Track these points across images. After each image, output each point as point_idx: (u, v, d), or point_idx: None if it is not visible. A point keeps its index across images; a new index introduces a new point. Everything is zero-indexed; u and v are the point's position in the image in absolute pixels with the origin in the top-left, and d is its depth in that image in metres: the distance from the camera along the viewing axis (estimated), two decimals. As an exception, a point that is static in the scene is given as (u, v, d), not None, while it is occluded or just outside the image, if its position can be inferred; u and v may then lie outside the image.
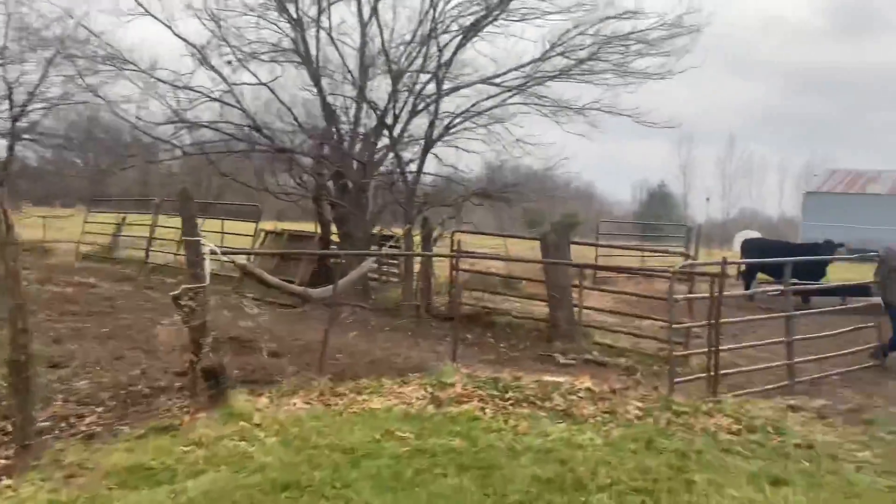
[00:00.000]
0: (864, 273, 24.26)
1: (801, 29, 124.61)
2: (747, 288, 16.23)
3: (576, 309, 11.10)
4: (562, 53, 11.18)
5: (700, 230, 23.07)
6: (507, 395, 6.76)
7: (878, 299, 9.52)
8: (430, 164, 13.58)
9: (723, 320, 9.25)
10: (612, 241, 23.30)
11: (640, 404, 6.71)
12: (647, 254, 17.87)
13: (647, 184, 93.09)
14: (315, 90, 11.90)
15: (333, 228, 12.53)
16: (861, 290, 16.33)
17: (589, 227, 29.19)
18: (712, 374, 7.06)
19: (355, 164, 11.48)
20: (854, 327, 9.55)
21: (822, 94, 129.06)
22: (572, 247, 19.21)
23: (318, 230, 12.84)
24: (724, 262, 6.96)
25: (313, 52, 11.60)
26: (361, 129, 12.12)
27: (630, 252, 19.42)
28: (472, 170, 12.34)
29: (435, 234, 11.29)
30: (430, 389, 6.79)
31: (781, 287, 15.95)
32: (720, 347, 7.05)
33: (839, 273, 18.03)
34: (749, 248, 18.06)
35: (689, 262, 10.52)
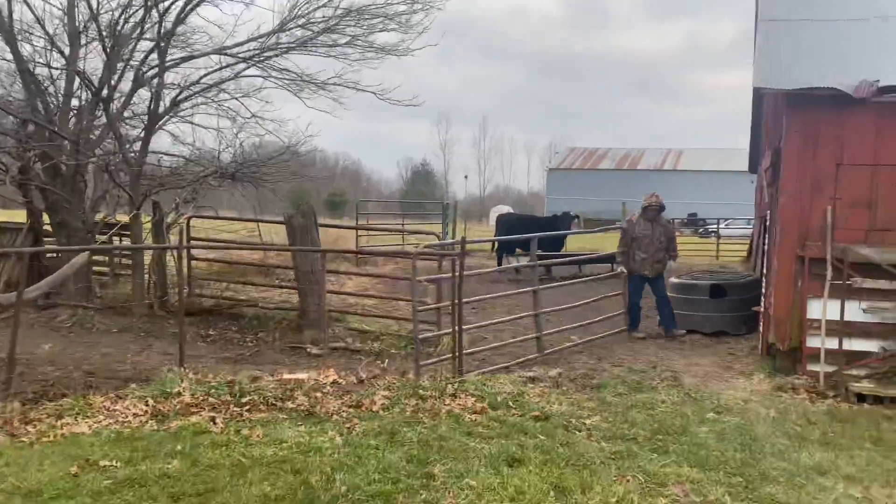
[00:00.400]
0: (596, 242, 26.87)
1: (543, 18, 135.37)
2: (500, 263, 16.99)
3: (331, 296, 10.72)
4: (303, 25, 10.55)
5: (457, 207, 23.84)
6: (243, 400, 6.12)
7: (621, 268, 10.10)
8: (164, 143, 12.24)
9: (472, 298, 9.36)
10: (374, 221, 23.28)
11: (387, 393, 6.45)
12: (407, 233, 17.94)
13: (412, 162, 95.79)
14: (11, 57, 10.05)
15: (47, 218, 10.77)
16: (606, 259, 17.92)
17: (362, 205, 28.89)
18: (457, 354, 7.01)
19: (68, 144, 9.88)
20: (601, 296, 10.26)
21: (562, 79, 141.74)
22: (335, 229, 19.02)
23: (28, 220, 10.98)
24: (464, 241, 6.89)
25: (4, 10, 9.74)
26: (74, 104, 10.48)
27: (390, 232, 19.41)
28: (213, 149, 11.26)
29: (168, 219, 10.12)
30: (150, 402, 5.92)
31: (529, 260, 16.93)
32: (463, 326, 7.01)
33: (575, 242, 19.61)
34: (500, 223, 18.93)
35: (438, 242, 10.48)
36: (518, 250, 17.21)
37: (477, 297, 8.76)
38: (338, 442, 5.23)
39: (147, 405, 5.89)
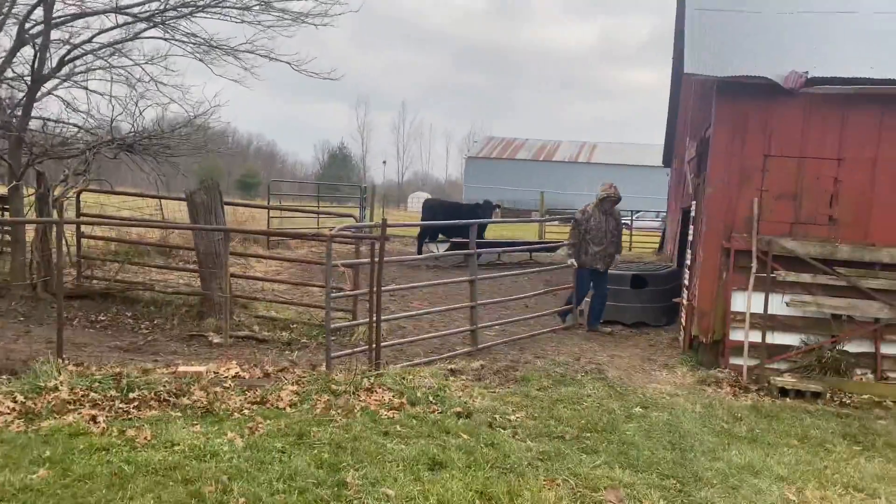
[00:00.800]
0: (514, 231, 26.83)
1: (467, 8, 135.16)
2: (420, 250, 16.53)
3: (238, 280, 9.99)
4: (215, -14, 9.68)
5: (374, 191, 23.21)
6: (131, 396, 5.42)
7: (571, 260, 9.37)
8: (53, 108, 11.07)
9: (393, 286, 8.86)
10: (289, 203, 22.35)
11: (295, 388, 5.88)
12: (322, 216, 17.18)
13: (329, 145, 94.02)
14: None
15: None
16: (551, 249, 17.75)
17: (276, 186, 27.71)
18: (374, 345, 6.50)
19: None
20: (544, 290, 9.96)
21: (482, 69, 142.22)
22: (246, 209, 18.03)
23: None
24: (384, 224, 6.36)
25: None
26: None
27: (305, 214, 18.59)
28: (108, 117, 10.22)
29: (56, 193, 9.11)
30: (19, 399, 5.15)
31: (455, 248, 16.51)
32: (382, 316, 6.51)
33: (492, 231, 19.37)
34: (426, 208, 18.44)
35: (355, 224, 9.88)
36: (440, 236, 16.82)
37: (412, 285, 8.30)
38: (238, 444, 4.64)
39: (15, 402, 5.11)
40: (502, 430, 5.34)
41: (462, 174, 70.43)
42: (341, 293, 7.57)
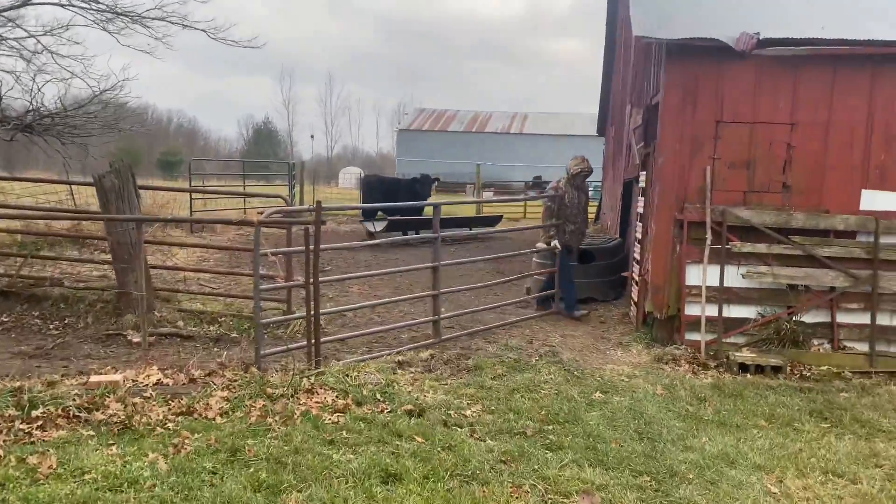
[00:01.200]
0: (450, 207, 26.31)
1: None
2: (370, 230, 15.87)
3: (161, 271, 9.19)
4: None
5: (303, 167, 22.30)
6: (34, 413, 4.72)
7: (554, 243, 8.53)
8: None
9: (332, 277, 8.27)
10: (212, 183, 21.22)
11: (226, 394, 5.28)
12: (249, 196, 16.23)
13: (253, 120, 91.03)
14: None
15: None
16: (491, 220, 17.25)
17: (198, 165, 26.36)
18: (313, 340, 5.94)
19: None
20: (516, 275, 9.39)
21: (410, 40, 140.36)
22: (167, 192, 16.85)
23: None
24: (319, 206, 5.75)
25: None
26: None
27: (230, 195, 17.60)
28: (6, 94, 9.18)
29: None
30: None
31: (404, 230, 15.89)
32: (320, 309, 5.93)
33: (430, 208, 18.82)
34: (365, 185, 17.64)
35: (287, 206, 9.20)
36: (380, 214, 16.20)
37: (360, 274, 7.67)
38: (161, 468, 4.04)
39: None
40: (459, 429, 4.90)
41: (394, 147, 69.47)
42: (272, 285, 6.92)
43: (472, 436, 4.80)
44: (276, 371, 5.80)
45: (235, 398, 5.20)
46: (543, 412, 5.27)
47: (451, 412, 5.23)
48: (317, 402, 5.28)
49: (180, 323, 7.81)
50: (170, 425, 4.75)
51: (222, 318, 7.98)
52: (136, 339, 7.21)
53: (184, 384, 5.44)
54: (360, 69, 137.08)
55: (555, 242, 8.48)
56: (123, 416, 4.80)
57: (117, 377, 5.35)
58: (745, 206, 6.93)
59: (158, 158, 69.22)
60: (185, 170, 23.54)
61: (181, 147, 77.68)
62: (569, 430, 4.94)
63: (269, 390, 5.34)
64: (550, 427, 4.99)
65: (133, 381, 5.38)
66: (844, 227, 6.76)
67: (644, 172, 7.84)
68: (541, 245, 8.72)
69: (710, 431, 5.05)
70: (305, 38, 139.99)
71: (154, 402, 5.07)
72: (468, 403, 5.45)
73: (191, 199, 16.78)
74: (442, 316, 7.29)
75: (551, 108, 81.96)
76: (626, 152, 11.17)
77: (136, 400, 5.04)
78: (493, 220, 18.06)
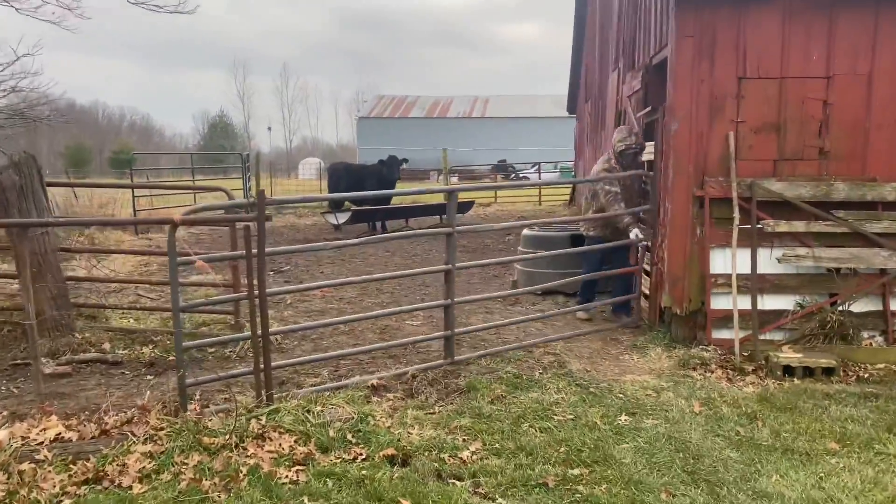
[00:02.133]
0: (420, 195, 25.04)
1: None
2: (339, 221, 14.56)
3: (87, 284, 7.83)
4: None
5: (259, 158, 20.81)
6: None
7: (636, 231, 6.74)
8: None
9: (295, 286, 7.07)
10: (167, 179, 19.63)
11: (150, 448, 4.02)
12: (195, 192, 14.79)
13: (208, 114, 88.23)
14: None
15: None
16: (463, 207, 15.86)
17: (155, 161, 24.60)
18: (262, 367, 4.68)
19: None
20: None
21: (366, 29, 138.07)
22: (106, 189, 15.23)
23: None
24: (262, 197, 4.47)
25: None
26: None
27: (177, 190, 16.10)
28: None
29: None
30: None
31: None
32: (269, 330, 4.67)
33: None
34: (332, 173, 16.36)
35: (220, 203, 7.80)
36: (346, 203, 14.92)
37: (341, 281, 6.36)
38: (39, 585, 2.79)
39: None
40: (458, 483, 3.73)
41: (354, 136, 67.81)
42: (197, 303, 5.59)
43: (475, 492, 3.63)
44: (216, 411, 4.54)
45: (162, 454, 3.95)
46: (563, 449, 4.12)
47: (445, 455, 4.05)
48: (269, 453, 4.06)
49: (107, 345, 6.48)
50: (67, 502, 3.49)
51: (158, 337, 6.68)
52: (48, 371, 5.86)
53: (93, 438, 4.16)
54: (317, 60, 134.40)
55: (636, 231, 6.61)
56: (3, 494, 3.53)
57: (1, 434, 4.04)
58: (776, 178, 5.84)
59: (111, 157, 66.59)
60: (144, 166, 21.77)
61: (134, 144, 74.92)
62: (601, 476, 3.79)
63: (207, 440, 4.09)
64: (576, 472, 3.84)
65: (23, 437, 4.08)
66: (895, 196, 5.72)
67: (652, 143, 6.71)
68: (633, 233, 6.68)
69: (777, 463, 3.96)
70: (259, 29, 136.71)
71: (50, 468, 3.79)
72: (465, 441, 4.28)
73: (133, 197, 15.26)
74: (457, 331, 5.75)
75: (511, 92, 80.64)
76: (611, 126, 10.05)
77: (25, 467, 3.75)
78: (465, 207, 16.90)
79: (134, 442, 4.06)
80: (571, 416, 4.63)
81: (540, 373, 5.49)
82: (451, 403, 4.94)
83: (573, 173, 23.65)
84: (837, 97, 5.78)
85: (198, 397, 4.99)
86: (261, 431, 4.24)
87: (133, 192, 15.01)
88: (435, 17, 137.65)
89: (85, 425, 4.27)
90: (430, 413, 4.73)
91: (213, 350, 6.24)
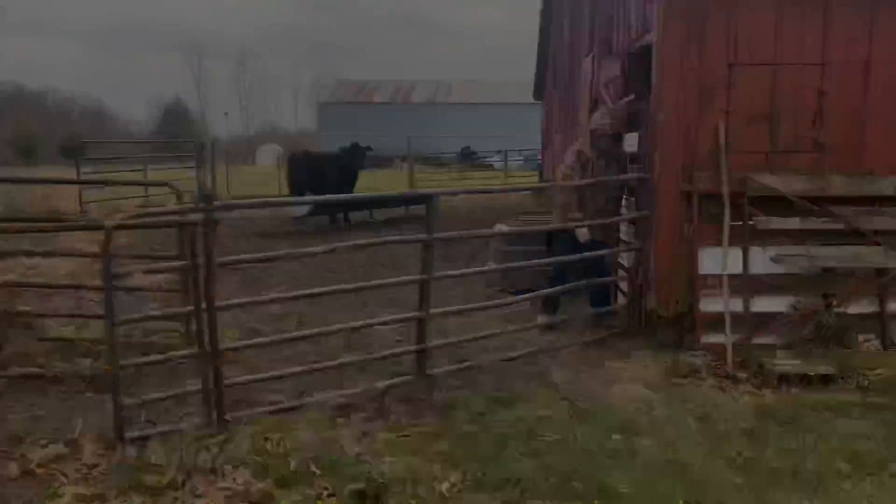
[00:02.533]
0: (384, 183, 24.43)
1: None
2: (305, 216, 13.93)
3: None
4: None
5: (214, 146, 19.98)
6: None
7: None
8: None
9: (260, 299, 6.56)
10: (108, 168, 18.66)
11: (82, 490, 3.49)
12: (142, 184, 13.90)
13: (163, 100, 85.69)
14: None
15: None
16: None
17: (107, 151, 23.43)
18: (214, 388, 4.17)
19: None
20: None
21: (324, 12, 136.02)
22: (46, 185, 14.26)
23: None
24: (209, 199, 3.93)
25: None
26: None
27: (127, 183, 15.24)
28: None
29: None
30: None
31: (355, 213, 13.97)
32: (219, 348, 4.15)
33: (364, 181, 17.01)
34: (293, 164, 15.56)
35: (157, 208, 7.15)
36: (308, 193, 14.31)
37: (291, 294, 5.79)
38: None
39: None
40: (438, 525, 3.28)
41: (315, 122, 66.59)
42: (133, 318, 5.01)
43: (458, 535, 3.20)
44: (162, 438, 4.01)
45: (95, 499, 3.42)
46: (554, 478, 3.71)
47: (422, 490, 3.60)
48: (222, 491, 3.57)
49: (40, 359, 5.86)
50: (-22, 566, 2.95)
51: (101, 348, 6.07)
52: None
53: (14, 480, 3.61)
54: (274, 43, 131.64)
55: (583, 231, 6.19)
56: None
57: None
58: (769, 172, 5.49)
59: (61, 145, 64.23)
60: (89, 155, 20.50)
61: (86, 132, 72.36)
62: (598, 511, 3.39)
63: (149, 478, 3.58)
64: (571, 506, 3.43)
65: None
66: (894, 191, 5.41)
67: (635, 134, 6.30)
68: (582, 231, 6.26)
69: (788, 491, 3.60)
70: (215, 13, 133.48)
71: (-39, 520, 3.25)
72: (444, 469, 3.83)
73: (80, 191, 14.36)
74: (431, 345, 5.22)
75: (475, 77, 79.94)
76: (585, 113, 9.64)
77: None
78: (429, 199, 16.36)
79: (64, 483, 3.53)
80: (560, 438, 4.22)
81: (522, 385, 5.07)
82: (426, 423, 4.48)
83: (539, 161, 23.25)
84: (833, 86, 5.44)
85: (143, 419, 4.47)
86: (212, 465, 3.74)
87: (80, 185, 14.13)
88: (396, 1, 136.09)
89: (5, 465, 3.71)
90: (403, 436, 4.28)
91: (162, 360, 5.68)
